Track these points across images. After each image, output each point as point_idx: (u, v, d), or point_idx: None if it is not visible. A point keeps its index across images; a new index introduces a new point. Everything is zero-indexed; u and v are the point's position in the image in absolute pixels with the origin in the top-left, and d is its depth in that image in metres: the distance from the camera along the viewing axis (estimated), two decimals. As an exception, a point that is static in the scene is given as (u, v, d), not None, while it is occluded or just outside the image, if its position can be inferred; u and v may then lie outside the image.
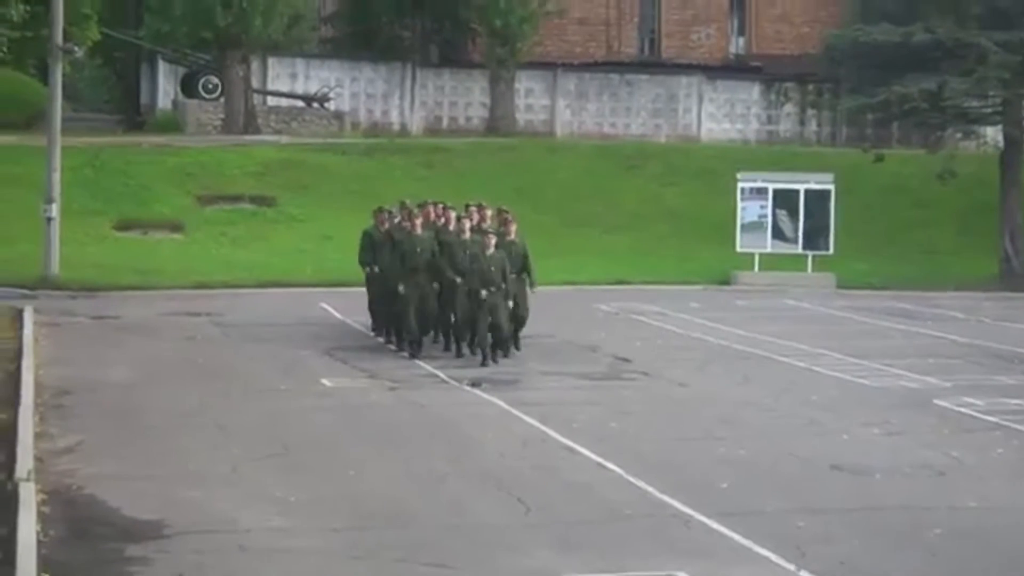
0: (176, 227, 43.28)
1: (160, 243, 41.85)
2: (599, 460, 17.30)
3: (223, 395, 21.74)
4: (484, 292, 24.47)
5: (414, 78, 57.10)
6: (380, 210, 28.17)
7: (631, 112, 58.17)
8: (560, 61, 58.06)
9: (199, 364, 24.80)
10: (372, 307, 27.98)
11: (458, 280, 25.08)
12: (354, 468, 16.89)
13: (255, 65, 54.17)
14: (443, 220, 27.05)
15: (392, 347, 26.41)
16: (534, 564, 13.04)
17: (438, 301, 25.71)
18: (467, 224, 26.01)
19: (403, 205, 27.68)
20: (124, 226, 42.80)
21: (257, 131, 51.58)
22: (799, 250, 41.17)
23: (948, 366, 25.30)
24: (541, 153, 51.35)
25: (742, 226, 41.23)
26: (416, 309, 25.43)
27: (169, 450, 17.83)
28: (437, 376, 23.61)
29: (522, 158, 50.28)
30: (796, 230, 41.13)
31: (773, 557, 13.33)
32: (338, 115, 54.75)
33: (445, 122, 57.28)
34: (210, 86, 53.36)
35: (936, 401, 21.80)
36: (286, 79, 56.09)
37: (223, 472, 16.61)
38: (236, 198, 45.32)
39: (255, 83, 53.91)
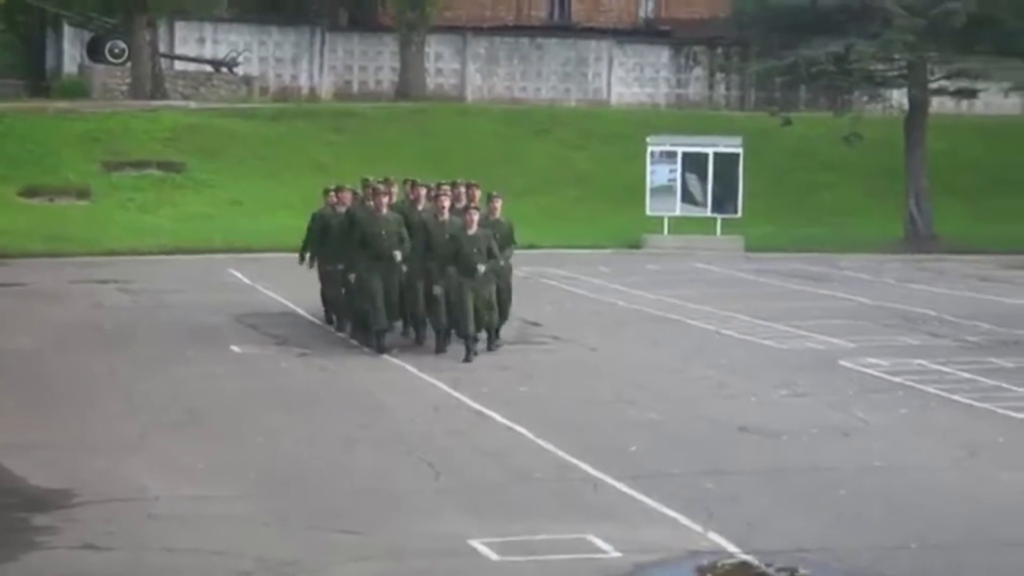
0: (83, 193, 42.89)
1: (67, 210, 41.45)
2: (509, 424, 17.36)
3: (131, 363, 21.62)
4: (474, 271, 21.88)
5: (323, 42, 56.84)
6: (338, 189, 25.05)
7: (541, 76, 58.19)
8: (470, 25, 57.95)
9: (107, 331, 24.63)
10: (327, 297, 25.03)
11: (436, 291, 22.26)
12: (263, 435, 16.86)
13: (162, 29, 53.79)
14: (412, 198, 24.17)
15: (354, 342, 23.45)
16: (444, 529, 13.07)
17: (405, 287, 22.92)
18: (446, 202, 23.08)
19: (366, 183, 24.61)
20: (30, 192, 42.36)
21: (165, 96, 51.15)
22: (708, 213, 41.40)
23: (854, 327, 25.55)
24: (451, 117, 51.27)
25: (651, 190, 41.41)
26: (382, 297, 22.50)
27: (76, 418, 17.71)
28: (348, 343, 23.57)
29: (432, 123, 50.18)
30: (705, 193, 41.36)
31: (681, 519, 13.43)
32: (247, 80, 54.42)
33: (355, 86, 57.09)
34: (116, 51, 52.84)
35: (842, 362, 22.02)
36: (193, 44, 55.68)
37: (131, 440, 16.52)
38: (144, 164, 44.95)
39: (162, 47, 53.49)
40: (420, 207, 23.69)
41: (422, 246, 22.60)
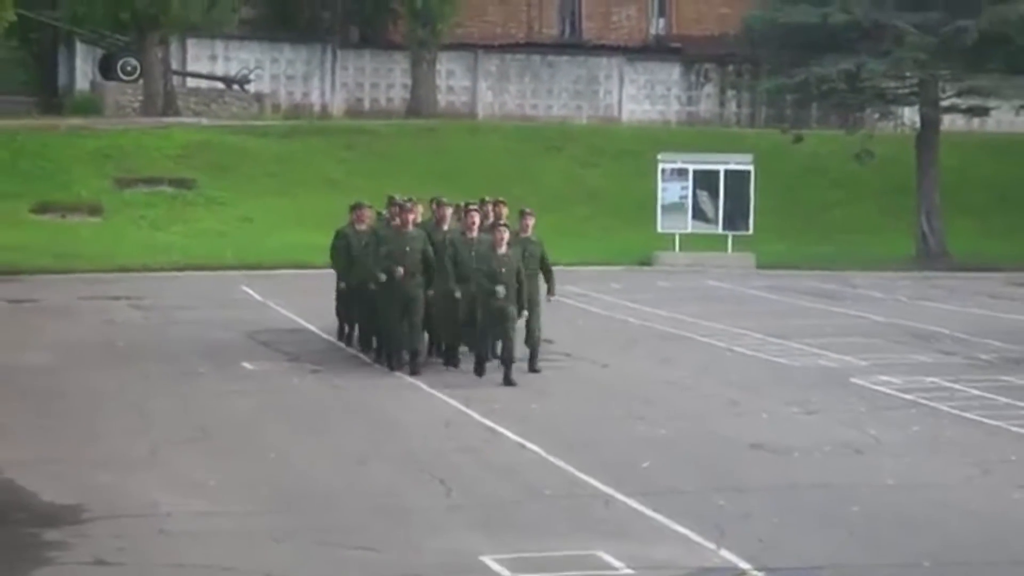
0: (94, 210, 42.96)
1: (78, 226, 41.51)
2: (520, 441, 17.34)
3: (142, 379, 21.62)
4: (498, 290, 21.17)
5: (335, 59, 56.91)
6: (358, 206, 24.69)
7: (552, 94, 58.24)
8: (481, 43, 58.02)
9: (118, 348, 24.65)
10: (344, 314, 24.59)
11: (457, 294, 21.81)
12: (275, 451, 16.85)
13: (174, 47, 53.87)
14: (438, 217, 23.44)
15: (379, 365, 22.76)
16: (456, 545, 13.05)
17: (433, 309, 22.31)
18: (476, 218, 22.40)
19: (391, 200, 23.84)
20: (41, 209, 42.44)
21: (177, 113, 51.24)
22: (719, 230, 41.39)
23: (866, 345, 25.51)
24: (463, 135, 51.30)
25: (663, 207, 41.42)
26: (406, 318, 21.94)
27: (88, 434, 17.72)
28: (360, 359, 23.56)
29: (444, 140, 50.22)
30: (716, 211, 41.36)
31: (693, 536, 13.41)
32: (258, 97, 54.50)
33: (367, 104, 57.15)
34: (128, 68, 52.92)
35: (854, 380, 21.98)
36: (205, 61, 55.77)
37: (142, 456, 16.53)
38: (155, 181, 45.03)
39: (174, 65, 53.58)
40: (445, 227, 23.10)
41: (451, 264, 21.97)
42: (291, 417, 18.89)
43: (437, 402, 19.97)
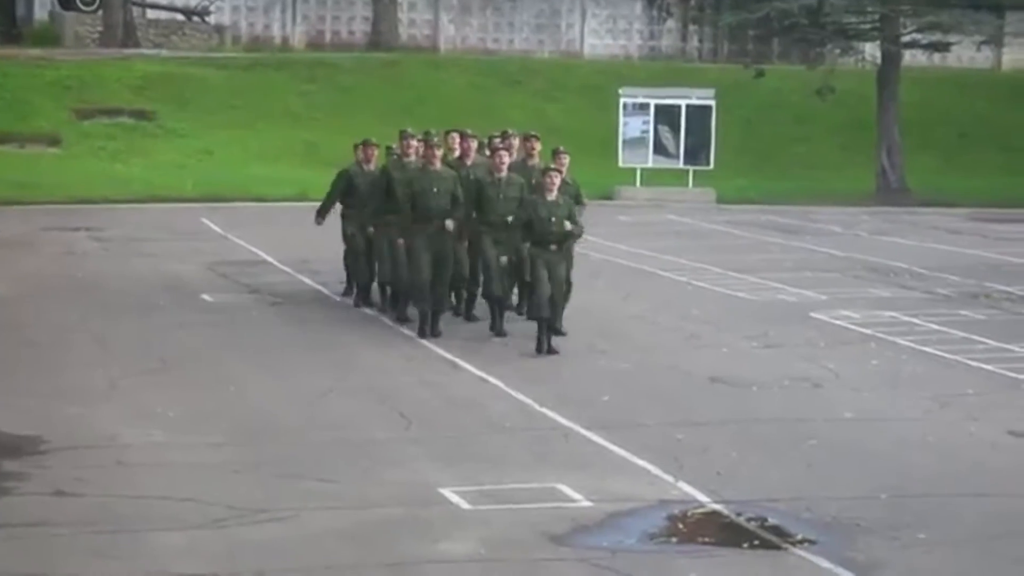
0: (53, 141, 42.61)
1: (37, 157, 41.17)
2: (481, 374, 17.38)
3: (102, 310, 21.55)
4: (551, 247, 18.69)
5: (295, -9, 56.48)
6: (365, 144, 22.11)
7: (514, 27, 57.97)
8: (443, -25, 57.67)
9: (78, 279, 24.55)
10: (354, 265, 22.14)
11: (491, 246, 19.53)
12: (235, 384, 16.85)
13: (133, -23, 53.32)
14: (458, 152, 21.03)
15: (388, 319, 20.89)
16: (415, 478, 13.10)
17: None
18: (506, 158, 19.92)
19: (404, 134, 21.31)
20: (0, 139, 42.12)
21: (136, 44, 50.79)
22: (680, 165, 41.35)
23: (825, 279, 25.61)
24: (424, 68, 51.06)
25: (624, 142, 41.34)
26: (433, 270, 19.52)
27: (47, 366, 17.68)
28: (319, 291, 23.54)
29: (406, 73, 49.98)
30: (677, 145, 41.30)
31: (652, 468, 13.48)
32: (219, 29, 54.07)
33: (328, 36, 56.75)
34: (88, -2, 52.46)
35: (813, 314, 22.07)
36: (165, -9, 55.25)
37: (102, 387, 16.51)
38: (115, 112, 44.67)
39: (134, -5, 53.07)
40: (468, 162, 20.72)
41: (474, 208, 19.75)
42: (251, 350, 18.87)
43: (398, 336, 19.97)
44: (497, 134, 21.75)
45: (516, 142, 21.25)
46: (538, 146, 20.89)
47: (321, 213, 22.67)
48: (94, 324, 20.46)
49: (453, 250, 19.76)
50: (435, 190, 19.52)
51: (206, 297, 22.89)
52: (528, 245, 18.71)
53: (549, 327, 18.62)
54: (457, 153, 21.02)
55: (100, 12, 51.41)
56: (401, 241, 20.05)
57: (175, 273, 25.28)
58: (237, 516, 11.94)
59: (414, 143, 20.88)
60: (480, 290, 20.44)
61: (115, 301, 22.41)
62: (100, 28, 51.10)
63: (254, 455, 13.78)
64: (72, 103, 44.63)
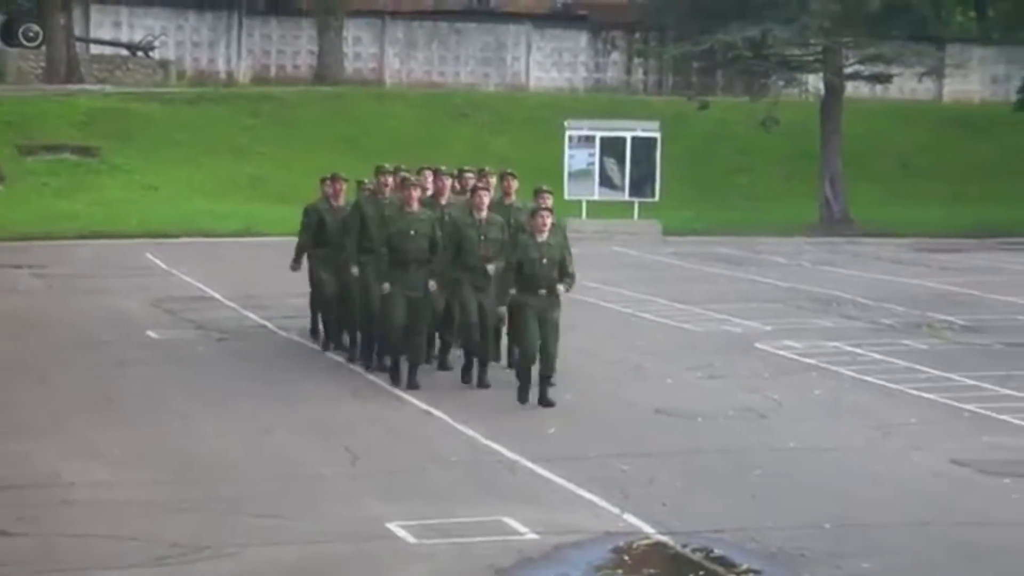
0: (-3, 177, 42.45)
1: (-20, 194, 41.01)
2: (427, 408, 17.36)
3: (45, 348, 21.44)
4: (540, 292, 17.48)
5: (240, 26, 56.47)
6: (334, 178, 21.15)
7: (460, 60, 58.12)
8: (388, 9, 57.82)
9: (21, 316, 24.42)
10: (322, 309, 21.23)
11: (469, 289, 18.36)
12: (180, 420, 16.79)
13: (77, 13, 53.19)
14: (431, 192, 19.88)
15: (358, 366, 19.87)
16: (361, 512, 13.08)
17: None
18: (485, 198, 18.65)
19: (381, 170, 20.15)
20: (-57, 177, 41.90)
21: (80, 80, 50.67)
22: (626, 197, 41.50)
23: (769, 310, 25.74)
24: (370, 102, 51.15)
25: (570, 174, 41.44)
26: (408, 318, 18.46)
27: (-10, 404, 17.57)
28: (265, 326, 23.49)
29: (351, 107, 50.04)
30: (623, 177, 41.45)
31: (598, 501, 13.50)
32: (163, 64, 54.02)
33: (273, 71, 56.77)
34: (31, 34, 52.26)
35: (758, 345, 22.18)
36: (109, 27, 55.16)
37: (45, 425, 16.40)
38: (59, 148, 44.51)
39: (78, 31, 52.94)
40: (443, 201, 19.70)
41: (454, 252, 18.39)
42: (196, 386, 18.80)
43: (343, 370, 19.94)
44: (471, 171, 20.90)
45: (493, 180, 20.02)
46: (515, 184, 19.94)
47: (298, 258, 21.45)
48: (37, 361, 20.34)
49: (430, 297, 18.58)
50: (412, 232, 18.43)
51: (151, 334, 22.81)
52: (513, 291, 17.53)
53: (543, 378, 17.48)
54: (430, 192, 19.91)
55: (43, 48, 51.23)
56: (387, 286, 18.48)
57: (120, 309, 25.18)
58: (181, 554, 11.88)
59: (390, 179, 19.92)
60: (457, 340, 19.24)
61: (59, 338, 22.30)
62: (43, 64, 50.95)
63: (199, 492, 13.72)
64: (15, 139, 44.44)
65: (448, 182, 20.06)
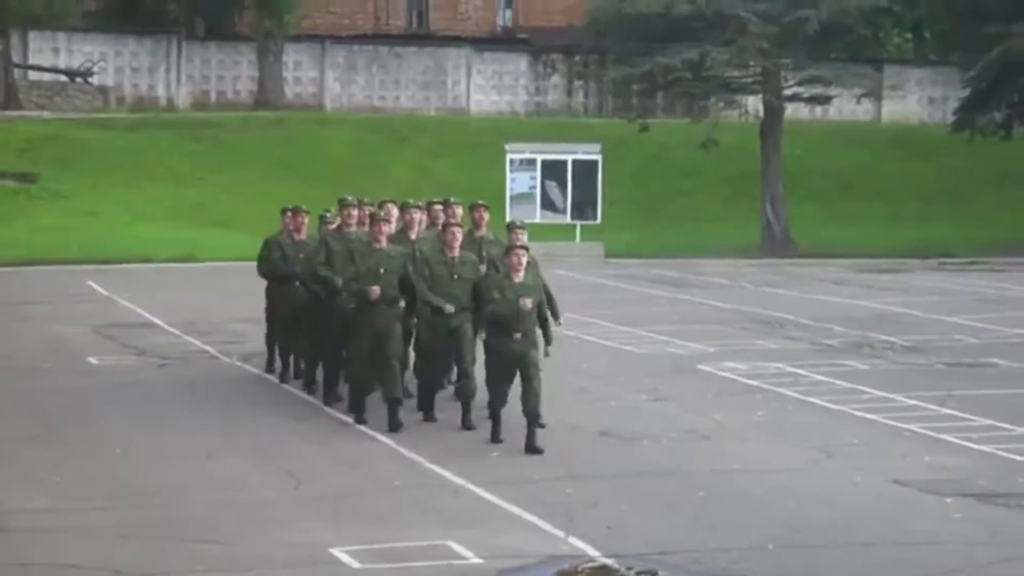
0: (-66, 205, 42.18)
1: (-82, 221, 40.71)
2: (370, 432, 17.31)
3: (-15, 376, 21.29)
4: (516, 335, 16.73)
5: (180, 51, 56.38)
6: (295, 211, 20.46)
7: (400, 85, 58.18)
8: (328, 33, 57.81)
9: (-40, 345, 24.24)
10: (280, 343, 20.77)
11: (449, 308, 17.53)
12: (121, 446, 16.67)
13: (15, 39, 52.98)
14: (405, 224, 19.04)
15: (312, 399, 19.42)
16: (305, 538, 13.01)
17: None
18: (458, 235, 17.85)
19: (344, 203, 19.22)
20: None
21: (19, 106, 50.47)
22: (568, 220, 41.62)
23: (712, 332, 25.81)
24: (311, 127, 51.10)
25: (512, 197, 41.56)
26: (378, 358, 17.52)
27: (-71, 433, 17.40)
28: (207, 352, 23.38)
29: (291, 132, 49.98)
30: (565, 200, 41.57)
31: (542, 524, 13.48)
32: (102, 90, 53.86)
33: (213, 96, 56.69)
34: (-32, 60, 51.99)
35: (701, 366, 22.23)
36: (48, 53, 54.95)
37: (-15, 454, 16.27)
38: (-3, 174, 44.32)
39: (15, 57, 52.70)
40: (413, 235, 18.76)
41: (423, 286, 17.53)
42: (137, 412, 18.68)
43: (286, 395, 19.87)
44: (438, 202, 19.72)
45: (459, 211, 19.09)
46: (487, 216, 19.09)
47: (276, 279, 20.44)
48: (-23, 389, 20.19)
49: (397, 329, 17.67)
50: (382, 271, 17.36)
51: (92, 360, 22.67)
52: (484, 335, 16.81)
53: (531, 419, 16.52)
54: (394, 226, 18.80)
55: (-19, 74, 50.98)
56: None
57: (60, 336, 25.01)
58: (124, 581, 11.81)
59: (354, 212, 19.00)
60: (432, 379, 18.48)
61: (-2, 365, 22.15)
62: (-19, 90, 50.68)
63: (141, 518, 13.62)
64: (-47, 166, 44.16)
65: (418, 215, 19.07)
